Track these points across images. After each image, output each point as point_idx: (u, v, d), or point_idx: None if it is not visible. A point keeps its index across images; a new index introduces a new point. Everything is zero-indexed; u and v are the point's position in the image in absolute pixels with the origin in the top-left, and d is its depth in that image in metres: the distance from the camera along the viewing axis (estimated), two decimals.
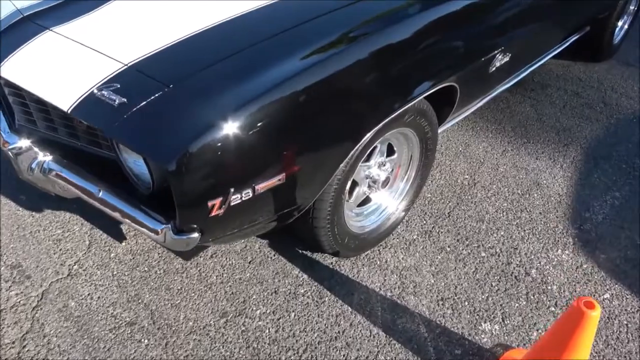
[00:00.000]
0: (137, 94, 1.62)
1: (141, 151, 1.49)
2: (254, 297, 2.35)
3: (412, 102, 2.12)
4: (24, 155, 1.97)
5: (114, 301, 2.32)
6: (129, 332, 2.20)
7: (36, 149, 1.88)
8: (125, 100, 1.59)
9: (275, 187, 1.71)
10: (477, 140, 3.36)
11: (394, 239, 2.67)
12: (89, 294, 2.34)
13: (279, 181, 1.71)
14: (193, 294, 2.35)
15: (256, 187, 1.64)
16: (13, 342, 2.13)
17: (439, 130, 2.68)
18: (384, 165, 2.40)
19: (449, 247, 2.63)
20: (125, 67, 1.71)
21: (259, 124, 1.58)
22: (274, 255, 2.55)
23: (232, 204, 1.61)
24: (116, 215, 1.74)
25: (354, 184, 2.33)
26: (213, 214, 1.59)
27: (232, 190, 1.58)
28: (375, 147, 2.24)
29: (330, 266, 2.51)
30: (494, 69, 2.57)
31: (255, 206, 1.73)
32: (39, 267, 2.46)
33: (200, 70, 1.67)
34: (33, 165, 1.99)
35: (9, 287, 2.36)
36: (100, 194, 1.78)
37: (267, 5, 2.01)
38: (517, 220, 2.81)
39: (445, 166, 3.17)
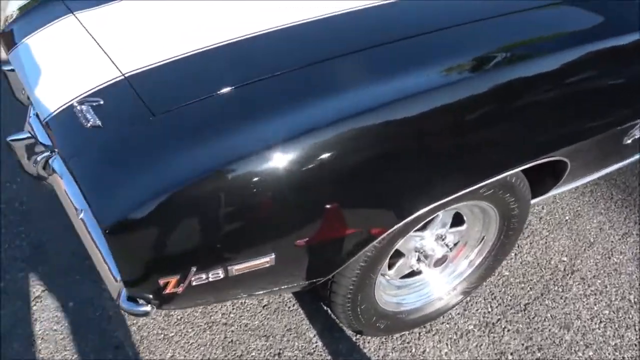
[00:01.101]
0: (115, 118, 1.29)
1: (85, 194, 1.17)
2: (253, 353, 1.99)
3: (494, 178, 1.55)
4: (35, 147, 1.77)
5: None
6: (111, 357, 1.97)
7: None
8: (100, 123, 1.27)
9: (261, 269, 1.30)
10: (593, 211, 2.59)
11: (443, 322, 2.13)
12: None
13: (267, 263, 1.29)
14: (190, 330, 2.06)
15: (230, 269, 1.25)
16: None
17: (536, 200, 2.05)
18: (444, 238, 1.86)
19: (512, 354, 2.03)
20: (120, 77, 1.39)
21: (252, 189, 1.19)
22: (293, 306, 2.16)
23: (194, 284, 1.24)
24: (87, 243, 1.45)
25: (398, 252, 1.83)
26: (168, 291, 1.23)
27: (193, 269, 1.21)
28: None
29: (354, 339, 2.06)
30: (630, 140, 1.86)
31: (232, 286, 1.34)
32: None
33: (201, 99, 1.29)
34: (38, 159, 1.78)
35: None
36: (82, 214, 1.50)
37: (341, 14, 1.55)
38: (617, 341, 2.11)
39: (540, 237, 2.49)
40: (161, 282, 1.21)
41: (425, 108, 1.34)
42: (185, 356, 1.98)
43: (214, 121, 1.28)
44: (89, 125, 1.29)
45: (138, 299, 1.27)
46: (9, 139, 1.75)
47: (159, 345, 2.02)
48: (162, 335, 2.05)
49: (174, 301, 1.31)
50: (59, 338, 2.03)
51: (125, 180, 1.17)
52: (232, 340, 2.04)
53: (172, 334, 2.06)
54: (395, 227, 1.50)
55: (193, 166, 1.17)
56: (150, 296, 1.27)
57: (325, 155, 1.22)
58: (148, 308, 1.28)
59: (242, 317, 2.12)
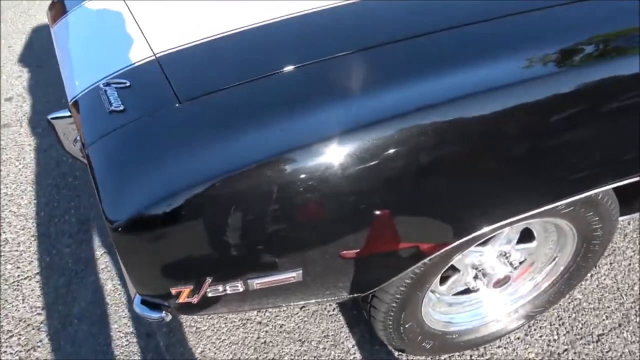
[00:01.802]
0: (139, 103, 1.16)
1: (97, 187, 1.05)
2: (286, 358, 1.85)
3: (577, 196, 1.29)
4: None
5: None
6: (143, 344, 1.91)
7: None
8: (122, 107, 1.14)
9: (287, 284, 1.14)
10: None
11: (499, 347, 1.89)
12: None
13: (293, 278, 1.13)
14: (224, 326, 1.96)
15: (250, 282, 1.10)
16: None
17: (624, 218, 1.75)
18: (507, 256, 1.61)
19: None
20: (151, 57, 1.25)
21: (293, 190, 1.02)
22: (333, 310, 2.00)
23: (210, 295, 1.10)
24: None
25: (452, 267, 1.61)
26: (182, 301, 1.10)
27: (208, 280, 1.06)
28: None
29: (396, 354, 1.87)
30: None
31: (254, 299, 1.19)
32: None
33: (238, 84, 1.13)
34: (77, 138, 1.72)
35: None
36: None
37: None
38: None
39: (623, 258, 2.17)
40: (173, 291, 1.07)
41: (503, 106, 1.10)
42: (215, 353, 1.88)
43: (250, 110, 1.11)
44: (110, 109, 1.17)
45: (151, 306, 1.15)
46: (50, 116, 1.69)
47: (190, 338, 1.93)
48: (195, 329, 1.96)
49: (190, 310, 1.18)
50: (94, 318, 1.99)
51: (140, 174, 1.04)
52: (265, 342, 1.92)
53: (205, 328, 1.96)
54: (454, 244, 1.28)
55: (220, 162, 1.01)
56: (165, 303, 1.15)
57: (384, 154, 1.02)
58: (162, 314, 1.16)
59: (278, 318, 1.99)
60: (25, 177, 2.62)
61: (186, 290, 1.08)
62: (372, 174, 1.05)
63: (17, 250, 2.26)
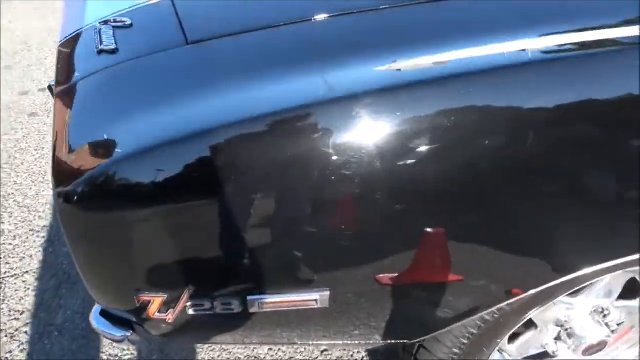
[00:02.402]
0: (136, 42, 0.87)
1: (54, 142, 0.74)
2: None
3: None
4: None
5: None
6: None
7: None
8: (114, 46, 0.85)
9: (304, 310, 0.78)
10: None
11: None
12: None
13: (314, 302, 0.76)
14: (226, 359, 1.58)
15: (251, 301, 0.74)
16: None
17: None
18: (605, 314, 1.19)
19: None
20: None
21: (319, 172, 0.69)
22: (362, 359, 1.60)
23: (190, 312, 0.75)
24: None
25: (528, 322, 1.20)
26: (152, 315, 0.76)
27: (189, 290, 0.72)
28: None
29: None
30: None
31: (254, 327, 0.83)
32: None
33: (258, 29, 0.82)
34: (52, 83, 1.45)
35: None
36: None
37: None
38: None
39: None
40: (138, 299, 0.73)
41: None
42: None
43: (271, 57, 0.79)
44: (100, 48, 0.88)
45: (112, 319, 0.81)
46: (52, 82, 1.43)
47: None
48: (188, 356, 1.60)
49: (166, 332, 0.83)
50: (77, 332, 1.67)
51: (113, 123, 0.72)
52: None
53: (201, 358, 1.59)
54: (539, 289, 0.90)
55: (230, 110, 0.69)
56: (132, 318, 0.81)
57: (458, 134, 0.67)
58: (126, 333, 0.82)
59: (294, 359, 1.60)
60: (40, 167, 2.39)
61: (157, 300, 0.74)
62: (434, 173, 0.70)
63: (10, 244, 1.99)
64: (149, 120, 0.72)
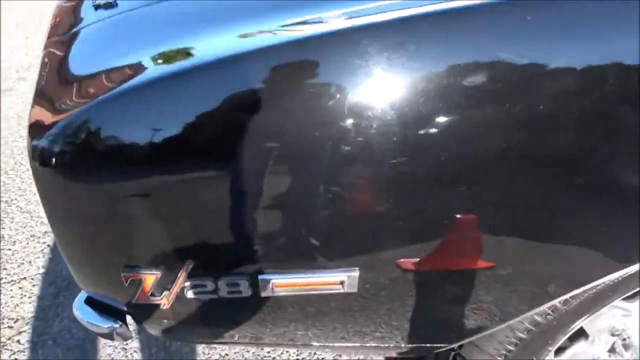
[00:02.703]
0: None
1: (44, 83, 0.63)
2: None
3: None
4: None
5: None
6: None
7: None
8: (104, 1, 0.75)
9: (331, 295, 0.64)
10: None
11: None
12: None
13: (339, 285, 0.62)
14: None
15: (264, 282, 0.61)
16: None
17: None
18: None
19: None
20: None
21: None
22: None
23: (190, 294, 0.62)
24: None
25: (579, 332, 1.04)
26: (143, 300, 0.62)
27: (187, 266, 0.58)
28: None
29: None
30: None
31: (267, 318, 0.69)
32: None
33: None
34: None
35: None
36: None
37: None
38: None
39: None
40: (126, 279, 0.60)
41: None
42: None
43: None
44: (96, 3, 0.78)
45: (98, 307, 0.68)
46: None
47: None
48: None
49: (160, 323, 0.70)
50: (72, 342, 1.54)
51: (86, 71, 0.61)
52: None
53: None
54: (596, 283, 0.76)
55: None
56: (120, 305, 0.68)
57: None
58: (113, 324, 0.69)
59: None
60: None
61: (148, 278, 0.61)
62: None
63: (9, 250, 1.88)
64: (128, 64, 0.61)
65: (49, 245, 1.91)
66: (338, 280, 0.63)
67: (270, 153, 0.56)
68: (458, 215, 0.65)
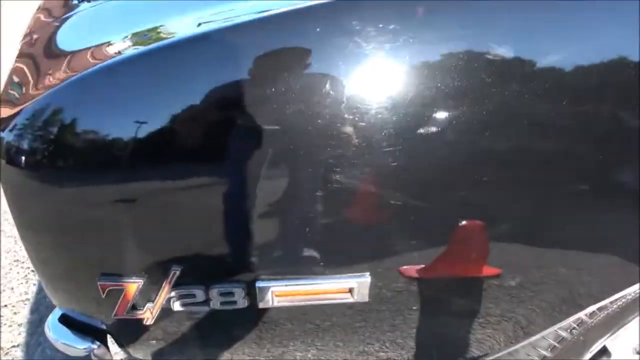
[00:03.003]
0: None
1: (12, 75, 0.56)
2: None
3: None
4: None
5: None
6: None
7: None
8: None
9: (336, 307, 0.56)
10: None
11: None
12: None
13: (349, 294, 0.54)
14: None
15: (263, 289, 0.52)
16: None
17: None
18: None
19: None
20: None
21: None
22: None
23: (177, 306, 0.53)
24: None
25: (602, 351, 0.96)
26: (123, 314, 0.54)
27: (175, 272, 0.50)
28: None
29: None
30: None
31: (264, 335, 0.60)
32: None
33: None
34: None
35: None
36: None
37: None
38: None
39: None
40: (103, 289, 0.52)
41: None
42: None
43: None
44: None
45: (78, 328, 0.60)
46: None
47: None
48: None
49: (144, 343, 0.61)
50: None
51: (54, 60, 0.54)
52: None
53: None
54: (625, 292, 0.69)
55: None
56: (97, 322, 0.59)
57: None
58: (90, 345, 0.60)
59: None
60: None
61: (129, 288, 0.52)
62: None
63: None
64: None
65: (32, 271, 1.81)
66: (347, 287, 0.55)
67: (267, 145, 0.49)
68: (478, 221, 0.58)
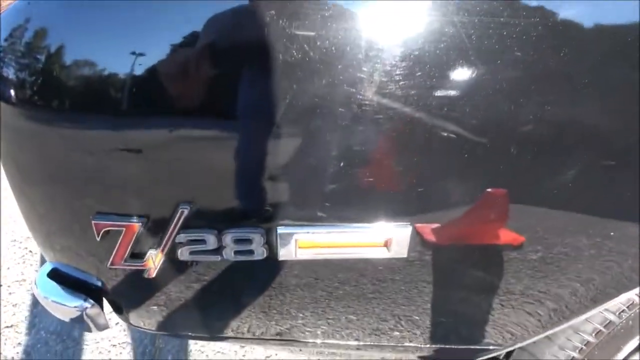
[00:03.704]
0: None
1: None
2: None
3: None
4: None
5: None
6: None
7: None
8: None
9: (367, 262, 0.47)
10: None
11: None
12: None
13: (383, 250, 0.46)
14: None
15: (285, 235, 0.44)
16: None
17: None
18: None
19: None
20: None
21: None
22: None
23: (185, 253, 0.45)
24: None
25: None
26: (119, 263, 0.45)
27: (181, 213, 0.42)
28: None
29: None
30: None
31: (282, 291, 0.52)
32: None
33: None
34: None
35: None
36: None
37: None
38: None
39: None
40: (98, 229, 0.44)
41: None
42: None
43: None
44: None
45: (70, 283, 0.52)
46: None
47: None
48: None
49: (144, 308, 0.52)
50: None
51: None
52: None
53: None
54: None
55: None
56: (89, 276, 0.51)
57: None
58: (83, 303, 0.52)
59: None
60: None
61: (129, 229, 0.44)
62: None
63: None
64: None
65: (30, 251, 1.74)
66: (383, 239, 0.47)
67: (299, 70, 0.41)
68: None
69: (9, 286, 1.60)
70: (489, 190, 0.46)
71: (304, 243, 0.47)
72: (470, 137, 0.43)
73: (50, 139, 0.45)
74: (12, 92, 0.43)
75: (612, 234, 0.55)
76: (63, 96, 0.43)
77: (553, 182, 0.49)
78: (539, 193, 0.48)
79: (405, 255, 0.48)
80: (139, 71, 0.42)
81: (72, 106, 0.43)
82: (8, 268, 1.67)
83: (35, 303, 1.53)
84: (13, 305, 1.51)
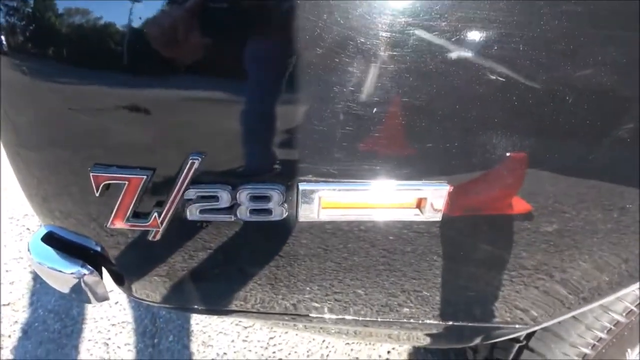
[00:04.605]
0: None
1: None
2: None
3: None
4: None
5: None
6: None
7: None
8: None
9: (399, 227, 0.42)
10: None
11: None
12: None
13: (415, 212, 0.41)
14: None
15: (308, 191, 0.39)
16: None
17: None
18: None
19: None
20: None
21: None
22: None
23: (193, 212, 0.40)
24: None
25: None
26: (121, 223, 0.40)
27: (191, 164, 0.37)
28: None
29: None
30: None
31: (299, 265, 0.47)
32: None
33: None
34: None
35: None
36: None
37: None
38: None
39: None
40: (97, 182, 0.39)
41: None
42: None
43: None
44: None
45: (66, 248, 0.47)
46: None
47: None
48: None
49: (146, 277, 0.48)
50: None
51: None
52: None
53: None
54: None
55: None
56: (87, 240, 0.46)
57: None
58: (80, 269, 0.47)
59: None
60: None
61: (132, 182, 0.39)
62: None
63: None
64: None
65: (28, 229, 1.69)
66: (415, 199, 0.42)
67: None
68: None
69: (6, 263, 1.55)
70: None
71: (327, 204, 0.41)
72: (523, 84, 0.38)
73: (46, 92, 0.40)
74: (4, 40, 0.38)
75: None
76: (62, 44, 0.38)
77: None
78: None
79: (439, 219, 0.43)
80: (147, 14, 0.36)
81: (73, 52, 0.38)
82: (5, 246, 1.62)
83: (33, 280, 1.48)
84: (10, 283, 1.46)
